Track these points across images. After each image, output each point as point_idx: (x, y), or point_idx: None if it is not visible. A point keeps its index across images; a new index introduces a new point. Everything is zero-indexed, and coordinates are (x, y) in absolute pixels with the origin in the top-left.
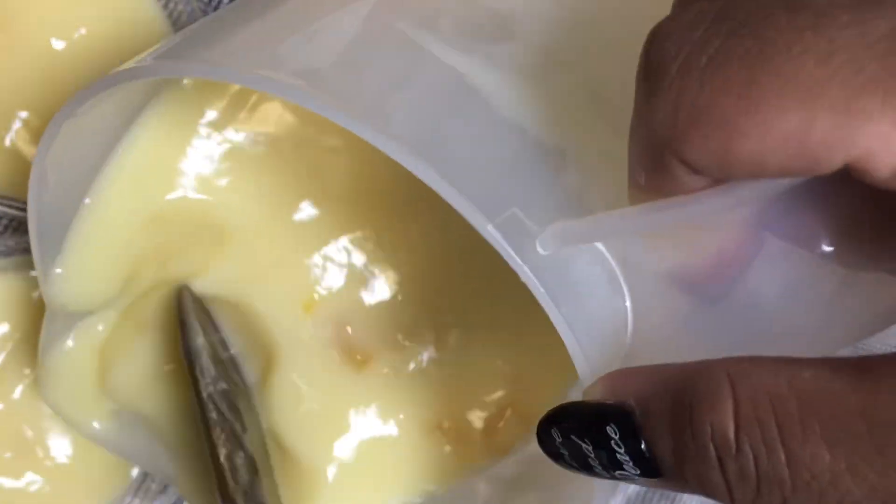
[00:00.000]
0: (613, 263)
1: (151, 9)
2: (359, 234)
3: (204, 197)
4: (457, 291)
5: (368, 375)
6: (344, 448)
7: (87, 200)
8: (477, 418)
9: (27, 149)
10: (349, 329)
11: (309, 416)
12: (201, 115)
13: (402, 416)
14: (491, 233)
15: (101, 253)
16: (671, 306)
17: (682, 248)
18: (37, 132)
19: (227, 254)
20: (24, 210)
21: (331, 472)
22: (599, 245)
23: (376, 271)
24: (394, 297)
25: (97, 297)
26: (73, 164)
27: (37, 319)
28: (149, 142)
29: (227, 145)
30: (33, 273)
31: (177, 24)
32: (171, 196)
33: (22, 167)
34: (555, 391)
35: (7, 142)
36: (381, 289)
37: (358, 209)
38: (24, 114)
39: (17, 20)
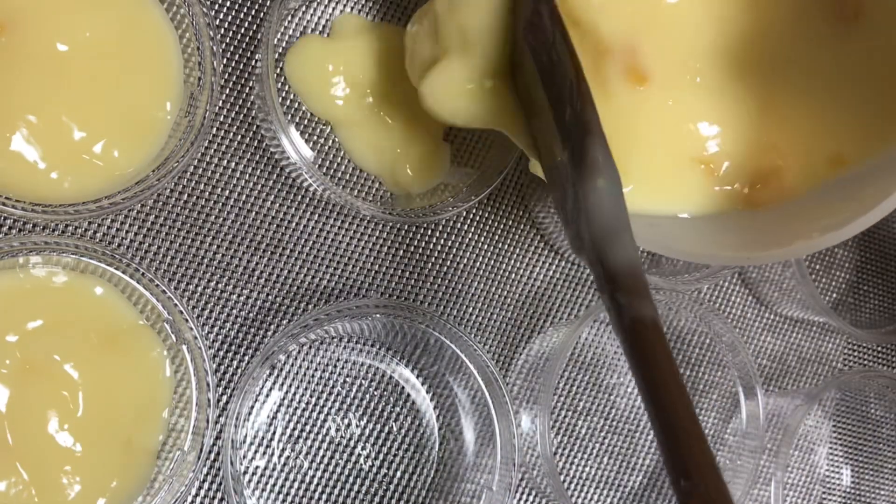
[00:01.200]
0: None
1: (154, 12)
2: None
3: None
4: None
5: None
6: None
7: None
8: (742, 170)
9: (32, 150)
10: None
11: None
12: None
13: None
14: None
15: None
16: None
17: None
18: (42, 134)
19: None
20: (29, 211)
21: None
22: None
23: None
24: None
25: None
26: None
27: (43, 309)
28: None
29: None
30: (37, 271)
31: (179, 26)
32: None
33: (27, 168)
34: (816, 180)
35: (13, 143)
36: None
37: None
38: (30, 117)
39: (23, 24)
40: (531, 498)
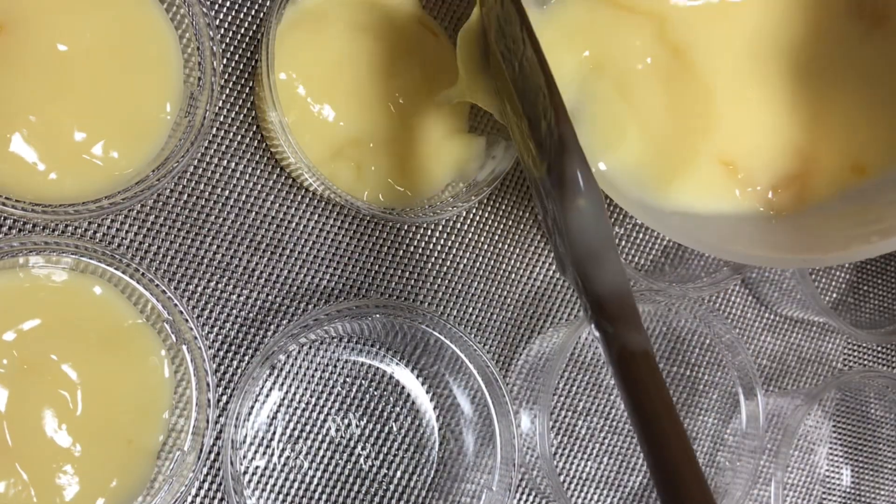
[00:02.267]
0: None
1: (154, 12)
2: None
3: None
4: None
5: None
6: None
7: None
8: (771, 171)
9: (32, 151)
10: None
11: None
12: None
13: None
14: None
15: None
16: None
17: None
18: (42, 135)
19: None
20: (29, 211)
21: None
22: None
23: None
24: None
25: None
26: None
27: (40, 308)
28: None
29: None
30: (37, 271)
31: (179, 26)
32: None
33: (27, 169)
34: (837, 188)
35: (13, 144)
36: None
37: None
38: (31, 117)
39: (23, 24)
40: (531, 498)
